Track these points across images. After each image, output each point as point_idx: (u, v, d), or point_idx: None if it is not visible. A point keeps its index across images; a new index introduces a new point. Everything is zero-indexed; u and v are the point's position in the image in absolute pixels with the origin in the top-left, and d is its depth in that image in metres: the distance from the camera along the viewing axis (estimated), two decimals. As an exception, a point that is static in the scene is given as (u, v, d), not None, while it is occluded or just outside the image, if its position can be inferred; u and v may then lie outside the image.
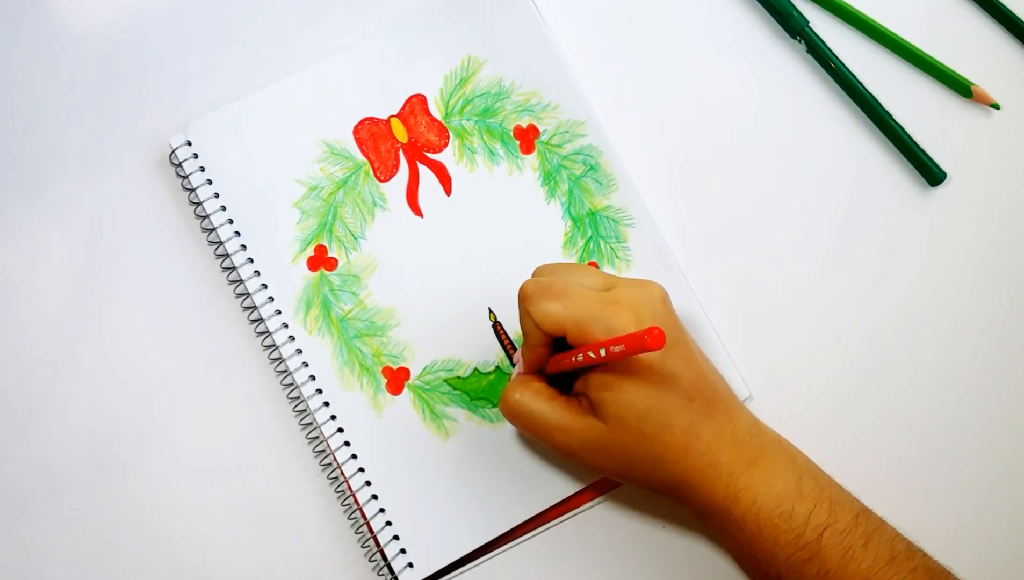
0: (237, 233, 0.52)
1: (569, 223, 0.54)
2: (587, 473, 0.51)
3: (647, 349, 0.39)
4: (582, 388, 0.45)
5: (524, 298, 0.45)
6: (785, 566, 0.43)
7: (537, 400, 0.46)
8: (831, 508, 0.44)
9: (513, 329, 0.52)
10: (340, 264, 0.53)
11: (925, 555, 0.44)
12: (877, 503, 0.45)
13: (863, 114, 0.55)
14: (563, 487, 0.51)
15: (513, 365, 0.52)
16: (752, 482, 0.44)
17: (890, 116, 0.54)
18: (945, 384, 0.53)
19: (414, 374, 0.52)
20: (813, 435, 0.52)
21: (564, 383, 0.47)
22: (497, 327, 0.52)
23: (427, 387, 0.52)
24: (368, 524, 0.50)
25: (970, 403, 0.53)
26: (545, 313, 0.44)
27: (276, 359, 0.52)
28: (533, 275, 0.47)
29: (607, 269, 0.53)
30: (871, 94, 0.54)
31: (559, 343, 0.45)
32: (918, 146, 0.54)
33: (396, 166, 0.54)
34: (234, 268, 0.52)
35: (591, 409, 0.44)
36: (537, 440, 0.47)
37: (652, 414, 0.43)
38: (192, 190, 0.53)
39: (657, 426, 0.43)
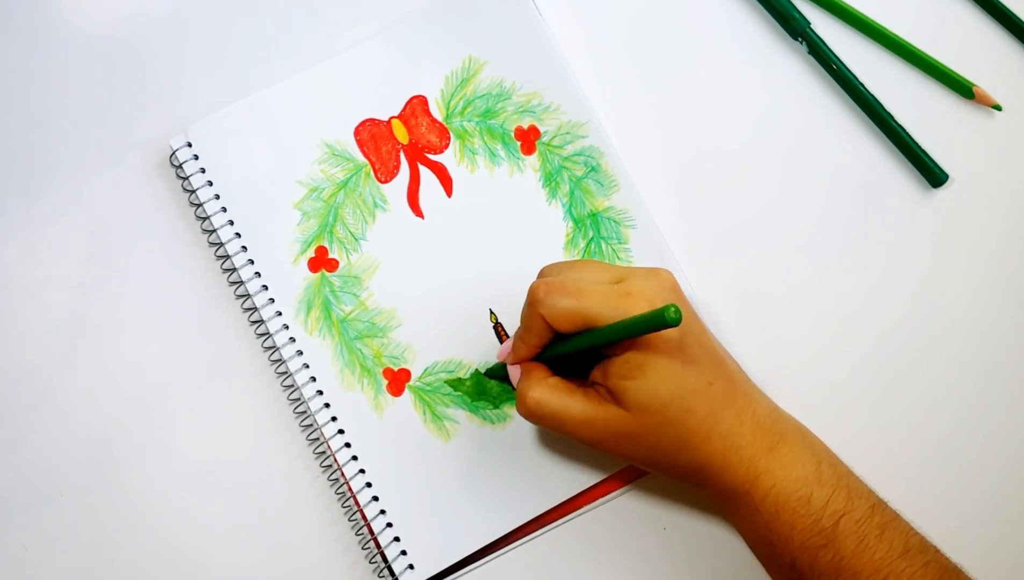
0: (238, 234, 0.52)
1: (570, 224, 0.54)
2: (587, 474, 0.51)
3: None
4: (600, 378, 0.45)
5: (535, 298, 0.45)
6: (800, 551, 0.43)
7: (557, 397, 0.45)
8: (849, 496, 0.44)
9: (514, 330, 0.52)
10: (341, 265, 0.53)
11: (938, 551, 0.44)
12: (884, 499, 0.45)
13: (865, 116, 0.55)
14: (564, 488, 0.51)
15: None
16: (772, 466, 0.44)
17: (892, 117, 0.54)
18: (950, 384, 0.53)
19: (415, 375, 0.52)
20: (818, 434, 0.52)
21: (566, 369, 0.47)
22: (498, 328, 0.52)
23: (428, 388, 0.52)
24: (369, 526, 0.50)
25: (974, 403, 0.53)
26: (560, 310, 0.44)
27: (277, 360, 0.52)
28: (539, 276, 0.47)
29: (608, 270, 0.53)
30: (873, 95, 0.54)
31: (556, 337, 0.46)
32: (920, 147, 0.54)
33: (397, 167, 0.54)
34: (235, 269, 0.52)
35: (612, 398, 0.44)
36: (563, 434, 0.46)
37: (675, 400, 0.43)
38: (193, 191, 0.53)
39: (680, 411, 0.43)
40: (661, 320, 0.39)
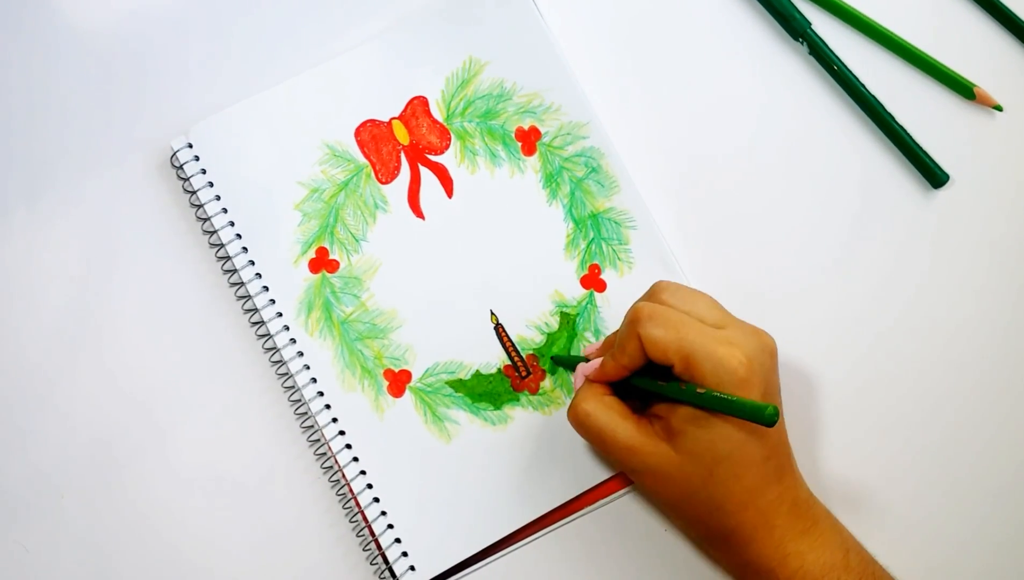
0: (239, 235, 0.52)
1: (571, 225, 0.54)
2: (588, 476, 0.51)
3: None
4: (664, 413, 0.45)
5: (637, 319, 0.44)
6: None
7: (610, 416, 0.45)
8: None
9: (515, 331, 0.52)
10: (342, 266, 0.53)
11: None
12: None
13: (866, 116, 0.55)
14: (565, 490, 0.51)
15: (514, 364, 0.52)
16: (802, 548, 0.44)
17: (893, 118, 0.54)
18: (951, 384, 0.53)
19: (416, 376, 0.52)
20: (818, 435, 0.52)
21: (630, 392, 0.47)
22: (499, 329, 0.52)
23: (429, 390, 0.52)
24: (370, 527, 0.50)
25: (975, 404, 0.53)
26: (657, 340, 0.44)
27: (277, 362, 0.52)
28: (650, 290, 0.47)
29: (609, 271, 0.53)
30: (873, 96, 0.54)
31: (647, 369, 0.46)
32: (921, 148, 0.54)
33: (397, 168, 0.54)
34: (235, 270, 0.52)
35: (666, 435, 0.44)
36: (601, 452, 0.47)
37: (729, 461, 0.43)
38: (194, 192, 0.53)
39: (729, 474, 0.43)
40: (759, 415, 0.40)
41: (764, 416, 0.40)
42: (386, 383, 0.52)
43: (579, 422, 0.46)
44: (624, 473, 0.47)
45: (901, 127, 0.54)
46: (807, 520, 0.45)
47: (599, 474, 0.51)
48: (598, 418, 0.45)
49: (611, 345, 0.48)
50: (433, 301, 0.52)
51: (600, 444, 0.46)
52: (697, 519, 0.45)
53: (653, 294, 0.47)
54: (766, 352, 0.44)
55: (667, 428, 0.44)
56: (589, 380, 0.47)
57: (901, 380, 0.53)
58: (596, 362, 0.47)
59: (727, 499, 0.44)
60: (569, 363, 0.52)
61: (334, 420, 0.51)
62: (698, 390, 0.43)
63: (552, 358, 0.52)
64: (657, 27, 0.56)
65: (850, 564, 0.44)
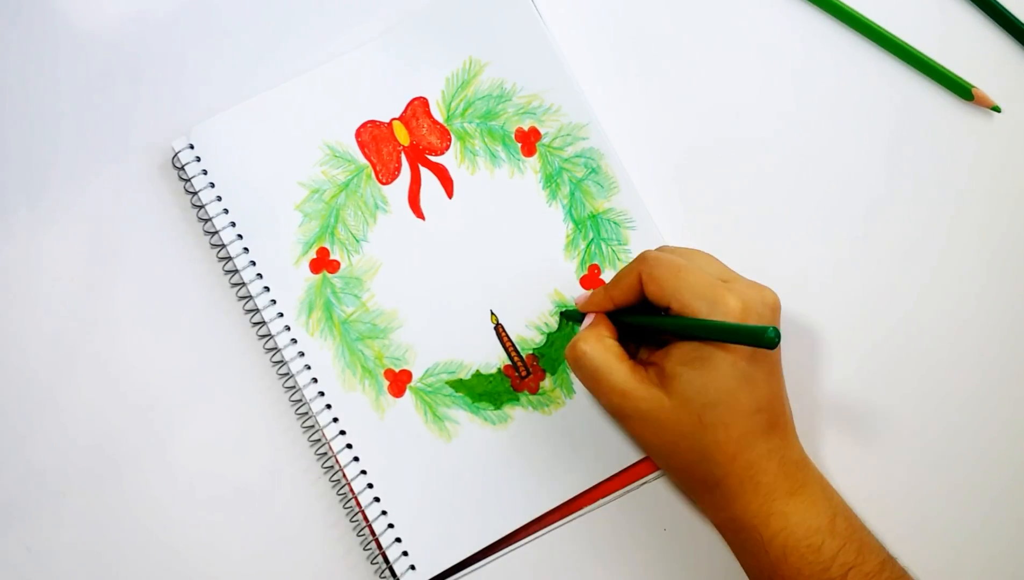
0: (240, 236, 0.53)
1: (570, 225, 0.54)
2: (588, 475, 0.51)
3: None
4: (658, 359, 0.45)
5: (643, 259, 0.46)
6: None
7: (606, 357, 0.45)
8: (860, 550, 0.44)
9: (515, 331, 0.52)
10: (342, 266, 0.53)
11: None
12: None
13: (870, 131, 0.55)
14: (565, 489, 0.51)
15: (514, 365, 0.52)
16: (787, 508, 0.44)
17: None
18: (952, 385, 0.53)
19: (416, 376, 0.52)
20: (814, 434, 0.52)
21: (628, 339, 0.48)
22: (499, 329, 0.53)
23: (429, 389, 0.52)
24: (370, 526, 0.51)
25: (976, 406, 0.53)
26: (656, 278, 0.44)
27: (278, 362, 0.52)
28: (658, 248, 0.49)
29: (609, 272, 0.53)
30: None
31: (644, 308, 0.46)
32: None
33: (398, 169, 0.54)
34: (236, 271, 0.53)
35: (659, 382, 0.44)
36: (594, 395, 0.46)
37: (719, 406, 0.43)
38: (195, 193, 0.53)
39: (717, 420, 0.43)
40: (760, 337, 0.39)
41: (764, 338, 0.39)
42: (387, 383, 0.52)
43: (575, 360, 0.46)
44: (615, 418, 0.47)
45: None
46: (795, 481, 0.44)
47: (599, 474, 0.51)
48: (595, 358, 0.45)
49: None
50: (433, 301, 0.53)
51: (594, 384, 0.46)
52: (685, 468, 0.45)
53: (660, 248, 0.48)
54: (767, 305, 0.44)
55: (660, 373, 0.44)
56: (580, 309, 0.49)
57: (906, 377, 0.53)
58: (588, 293, 0.49)
59: (715, 448, 0.43)
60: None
61: (335, 420, 0.51)
62: (696, 320, 0.43)
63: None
64: (656, 27, 0.56)
65: (836, 529, 0.44)
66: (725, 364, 0.43)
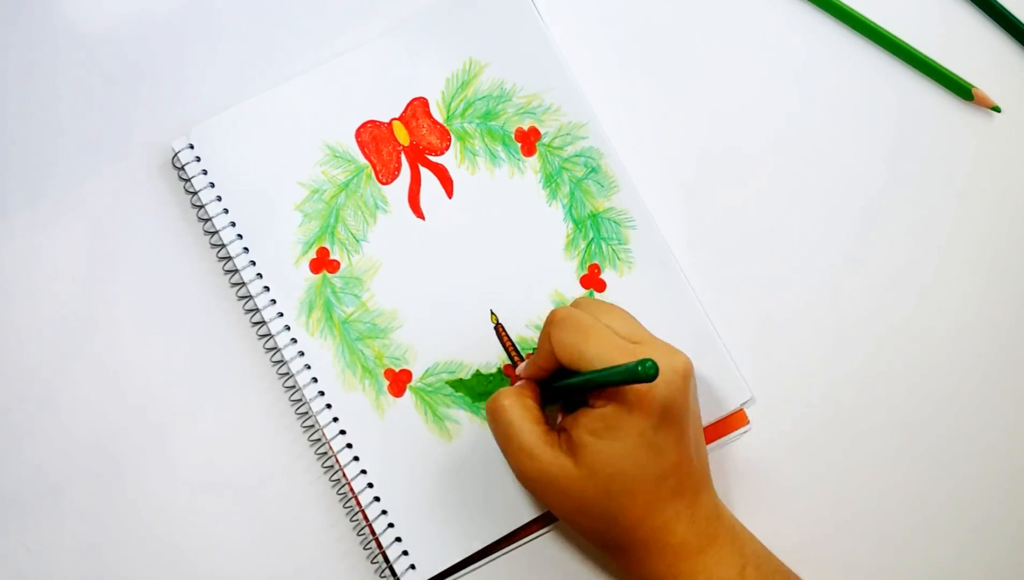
0: (240, 236, 0.53)
1: (571, 225, 0.54)
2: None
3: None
4: (569, 425, 0.45)
5: (551, 321, 0.45)
6: None
7: (523, 417, 0.45)
8: None
9: (515, 331, 0.52)
10: (342, 266, 0.53)
11: None
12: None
13: (867, 131, 0.55)
14: (565, 489, 0.51)
15: (514, 364, 0.52)
16: (696, 567, 0.44)
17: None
18: (951, 387, 0.53)
19: (416, 376, 0.52)
20: (814, 435, 0.52)
21: (558, 404, 0.48)
22: (499, 329, 0.53)
23: (429, 389, 0.52)
24: (370, 526, 0.51)
25: (974, 408, 0.53)
26: (565, 344, 0.44)
27: (278, 362, 0.52)
28: (573, 302, 0.49)
29: (609, 272, 0.53)
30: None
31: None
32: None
33: (398, 169, 0.54)
34: (237, 270, 0.53)
35: (568, 449, 0.44)
36: (503, 452, 0.46)
37: (624, 476, 0.43)
38: (195, 193, 0.53)
39: (624, 489, 0.43)
40: (634, 373, 0.39)
41: (640, 373, 0.38)
42: (387, 383, 0.52)
43: (492, 412, 0.46)
44: (521, 481, 0.47)
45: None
46: (705, 537, 0.44)
47: (599, 473, 0.51)
48: (511, 413, 0.45)
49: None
50: (433, 301, 0.53)
51: (504, 441, 0.46)
52: (593, 531, 0.45)
53: (574, 303, 0.48)
54: (676, 371, 0.43)
55: (569, 442, 0.44)
56: (516, 373, 0.49)
57: (898, 384, 0.53)
58: (527, 362, 0.48)
59: (621, 515, 0.44)
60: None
61: (335, 420, 0.51)
62: (582, 374, 0.43)
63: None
64: (656, 28, 0.56)
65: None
66: (632, 434, 0.43)
